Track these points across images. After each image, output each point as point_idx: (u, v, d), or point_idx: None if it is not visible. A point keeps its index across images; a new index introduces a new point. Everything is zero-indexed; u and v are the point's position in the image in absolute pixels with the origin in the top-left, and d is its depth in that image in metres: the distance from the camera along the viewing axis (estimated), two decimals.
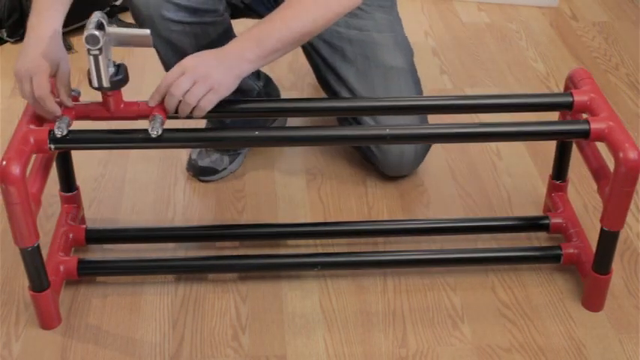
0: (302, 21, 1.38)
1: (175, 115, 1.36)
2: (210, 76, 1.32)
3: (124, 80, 1.33)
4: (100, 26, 1.27)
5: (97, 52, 1.27)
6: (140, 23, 1.56)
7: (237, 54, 1.36)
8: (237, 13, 1.72)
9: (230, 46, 1.38)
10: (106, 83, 1.30)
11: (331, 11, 1.39)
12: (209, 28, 1.57)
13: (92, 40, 1.26)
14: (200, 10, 1.54)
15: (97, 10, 2.62)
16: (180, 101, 1.33)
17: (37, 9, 1.36)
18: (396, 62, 1.74)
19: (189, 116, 1.36)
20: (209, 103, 1.34)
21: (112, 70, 1.31)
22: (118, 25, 2.36)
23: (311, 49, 1.78)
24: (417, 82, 1.78)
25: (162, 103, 1.35)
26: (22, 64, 1.33)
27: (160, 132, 1.32)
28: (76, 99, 1.39)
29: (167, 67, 1.60)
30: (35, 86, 1.32)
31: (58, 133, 1.32)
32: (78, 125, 1.46)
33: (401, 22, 1.83)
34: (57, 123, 1.33)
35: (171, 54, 1.58)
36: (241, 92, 1.74)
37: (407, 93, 1.73)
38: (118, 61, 1.33)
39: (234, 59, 1.36)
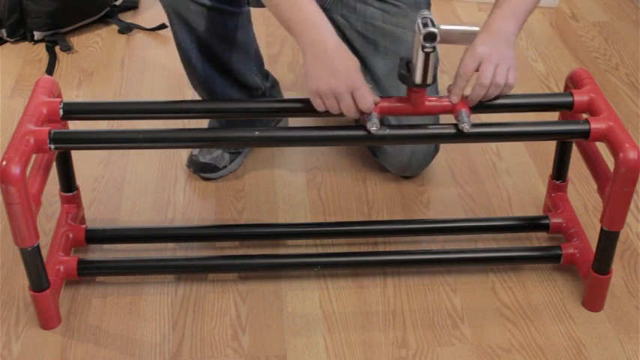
0: None
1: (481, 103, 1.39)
2: (504, 55, 1.38)
3: (436, 77, 1.34)
4: (433, 24, 1.27)
5: (431, 50, 1.28)
6: None
7: (506, 30, 1.42)
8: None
9: (497, 24, 1.43)
10: (430, 80, 1.32)
11: None
12: (227, 18, 1.58)
13: (431, 37, 1.26)
14: None
15: (96, 10, 2.62)
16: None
17: (305, 21, 1.34)
18: None
19: (490, 100, 1.39)
20: (514, 78, 1.39)
21: None
22: (118, 25, 2.36)
23: (344, 41, 1.78)
24: (437, 92, 1.78)
25: (463, 98, 1.38)
26: (334, 82, 1.33)
27: (469, 127, 1.34)
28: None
29: (179, 47, 1.62)
30: (360, 100, 1.33)
31: (373, 129, 1.33)
32: (78, 125, 1.46)
33: None
34: (369, 120, 1.34)
35: (185, 34, 1.60)
36: (249, 89, 1.74)
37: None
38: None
39: (506, 35, 1.42)
